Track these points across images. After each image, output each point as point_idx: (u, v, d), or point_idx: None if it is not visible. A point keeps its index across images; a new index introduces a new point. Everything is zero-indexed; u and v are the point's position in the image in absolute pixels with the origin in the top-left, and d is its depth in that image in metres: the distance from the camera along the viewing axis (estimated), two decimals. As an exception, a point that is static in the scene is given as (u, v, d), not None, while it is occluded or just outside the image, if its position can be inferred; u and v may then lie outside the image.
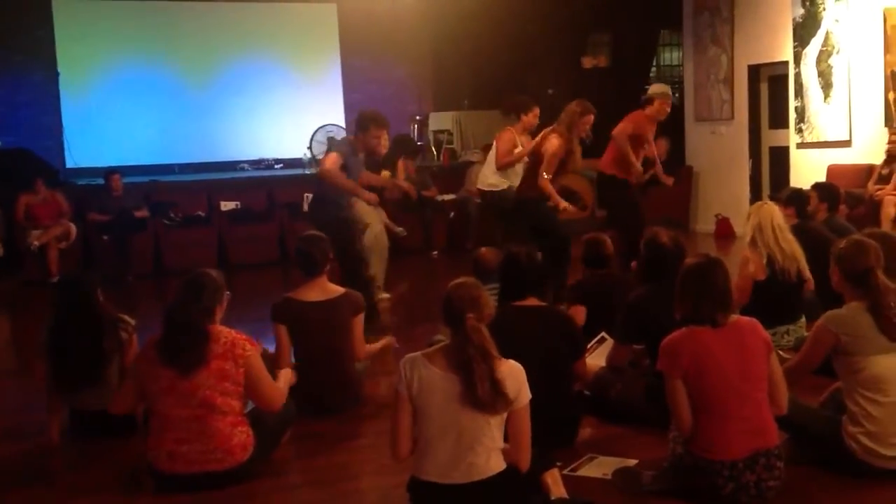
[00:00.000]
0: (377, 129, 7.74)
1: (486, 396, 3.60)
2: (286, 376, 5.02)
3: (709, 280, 4.07)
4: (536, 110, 8.86)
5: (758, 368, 4.01)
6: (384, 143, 7.95)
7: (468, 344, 3.65)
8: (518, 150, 8.70)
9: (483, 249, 6.95)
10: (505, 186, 8.76)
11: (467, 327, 3.67)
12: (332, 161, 7.63)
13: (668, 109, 8.98)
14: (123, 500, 4.46)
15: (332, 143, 8.05)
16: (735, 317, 4.14)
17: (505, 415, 3.70)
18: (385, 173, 9.27)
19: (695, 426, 3.98)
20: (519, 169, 8.66)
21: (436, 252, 12.46)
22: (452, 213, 12.80)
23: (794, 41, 11.84)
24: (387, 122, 7.88)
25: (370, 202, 8.06)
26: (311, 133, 13.98)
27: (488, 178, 8.90)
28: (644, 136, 8.91)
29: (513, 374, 3.71)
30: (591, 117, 8.22)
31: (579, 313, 5.90)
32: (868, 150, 11.03)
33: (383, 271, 8.80)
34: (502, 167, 8.77)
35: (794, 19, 11.82)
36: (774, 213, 6.39)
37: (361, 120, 7.88)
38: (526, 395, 3.73)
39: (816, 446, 4.35)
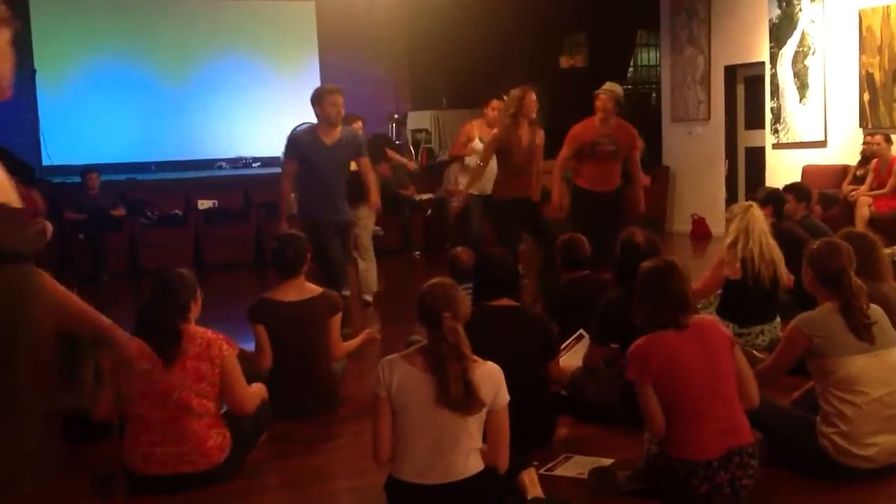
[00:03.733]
0: (331, 96, 7.30)
1: (459, 397, 3.60)
2: (259, 389, 4.97)
3: (666, 284, 4.09)
4: (494, 103, 8.79)
5: (725, 365, 4.03)
6: (340, 107, 7.42)
7: (443, 343, 3.65)
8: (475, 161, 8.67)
9: (458, 249, 6.96)
10: (465, 190, 8.74)
11: (443, 327, 3.67)
12: (284, 172, 7.44)
13: (605, 105, 8.16)
14: (97, 503, 4.44)
15: (286, 146, 7.60)
16: (696, 316, 4.16)
17: (484, 415, 3.71)
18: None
19: (669, 428, 3.99)
20: (490, 174, 8.38)
21: (418, 252, 12.46)
22: (429, 212, 12.80)
23: (771, 42, 11.91)
24: (337, 87, 7.47)
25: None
26: (289, 131, 13.92)
27: (459, 176, 8.96)
28: (588, 140, 8.25)
29: (489, 376, 3.71)
30: (532, 95, 7.90)
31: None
32: (843, 151, 11.10)
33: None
34: (450, 157, 8.85)
35: (770, 20, 11.88)
36: (761, 218, 6.39)
37: (314, 97, 7.44)
38: (504, 397, 3.74)
39: (789, 446, 4.37)
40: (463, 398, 3.61)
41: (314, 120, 7.49)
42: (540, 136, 8.05)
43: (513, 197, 7.96)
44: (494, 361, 3.78)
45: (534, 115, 7.95)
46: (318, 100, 7.30)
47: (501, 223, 8.11)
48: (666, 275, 4.12)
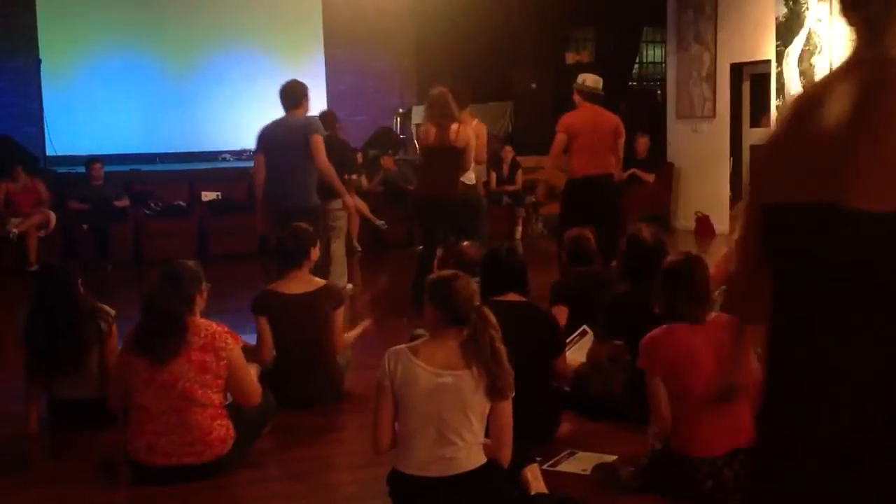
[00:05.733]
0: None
1: (510, 381, 3.67)
2: (254, 370, 4.99)
3: (688, 278, 4.10)
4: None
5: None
6: None
7: (489, 328, 3.69)
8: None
9: (465, 244, 6.95)
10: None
11: (483, 314, 3.72)
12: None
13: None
14: (101, 491, 4.45)
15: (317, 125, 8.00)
16: (714, 314, 4.16)
17: (486, 409, 3.71)
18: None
19: (674, 422, 4.00)
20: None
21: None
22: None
23: (777, 40, 11.88)
24: None
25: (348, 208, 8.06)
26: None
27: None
28: None
29: None
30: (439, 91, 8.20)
31: (561, 314, 5.80)
32: (848, 151, 11.07)
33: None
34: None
35: (777, 18, 11.85)
36: None
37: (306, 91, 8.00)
38: (513, 389, 3.75)
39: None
40: (511, 382, 3.68)
41: (318, 111, 7.78)
42: (461, 133, 8.05)
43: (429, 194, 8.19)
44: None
45: (452, 113, 8.07)
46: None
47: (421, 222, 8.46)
48: (690, 268, 4.14)
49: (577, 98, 8.66)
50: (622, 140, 8.74)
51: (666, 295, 4.15)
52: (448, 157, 7.98)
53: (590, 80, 8.76)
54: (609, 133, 8.57)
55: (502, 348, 3.69)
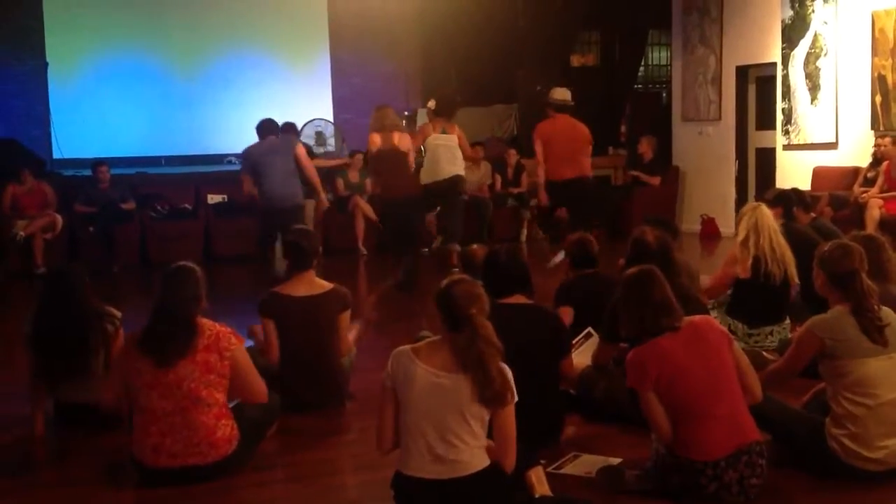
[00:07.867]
0: None
1: (500, 391, 3.64)
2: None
3: (645, 292, 4.11)
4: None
5: (723, 361, 4.04)
6: None
7: (478, 339, 3.66)
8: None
9: (473, 246, 6.96)
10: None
11: (476, 323, 3.69)
12: None
13: None
14: (106, 493, 4.46)
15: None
16: (688, 318, 4.16)
17: (487, 413, 3.70)
18: None
19: (675, 429, 3.99)
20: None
21: (426, 249, 12.44)
22: (438, 209, 12.76)
23: (783, 43, 11.88)
24: None
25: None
26: (299, 127, 13.96)
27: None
28: None
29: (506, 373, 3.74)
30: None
31: (566, 315, 5.79)
32: (854, 153, 11.08)
33: None
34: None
35: (782, 21, 11.86)
36: (770, 216, 6.40)
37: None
38: (513, 396, 3.74)
39: (799, 448, 4.36)
40: (502, 392, 3.64)
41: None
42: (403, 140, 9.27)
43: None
44: (507, 360, 3.78)
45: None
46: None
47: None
48: (644, 283, 4.14)
49: (549, 111, 9.82)
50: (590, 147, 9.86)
51: (629, 313, 4.16)
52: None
53: (558, 93, 9.90)
54: (581, 140, 9.66)
55: (490, 358, 3.65)
